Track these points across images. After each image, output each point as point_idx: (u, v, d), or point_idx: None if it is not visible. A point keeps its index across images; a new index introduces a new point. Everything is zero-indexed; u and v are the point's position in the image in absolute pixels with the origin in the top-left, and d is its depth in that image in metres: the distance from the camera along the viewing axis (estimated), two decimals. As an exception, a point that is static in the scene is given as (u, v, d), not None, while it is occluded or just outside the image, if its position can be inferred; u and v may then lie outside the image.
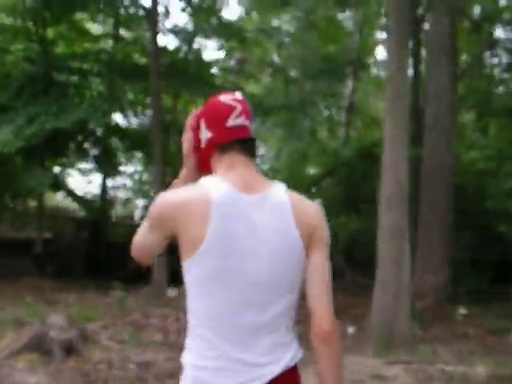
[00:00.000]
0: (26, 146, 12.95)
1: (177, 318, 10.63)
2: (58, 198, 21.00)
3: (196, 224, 2.25)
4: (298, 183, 22.41)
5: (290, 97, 21.47)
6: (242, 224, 2.29)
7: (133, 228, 14.22)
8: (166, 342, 9.33)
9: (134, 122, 17.21)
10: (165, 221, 2.33)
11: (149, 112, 16.39)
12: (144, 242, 2.47)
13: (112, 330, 9.56)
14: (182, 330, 9.87)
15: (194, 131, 2.54)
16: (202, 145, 2.49)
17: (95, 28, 18.22)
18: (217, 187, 2.30)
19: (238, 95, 2.51)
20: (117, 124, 16.83)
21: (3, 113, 14.22)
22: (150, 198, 19.41)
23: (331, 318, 2.36)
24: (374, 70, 28.13)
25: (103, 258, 16.40)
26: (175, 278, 13.93)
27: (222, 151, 2.43)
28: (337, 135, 25.97)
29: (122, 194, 19.78)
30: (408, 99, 9.84)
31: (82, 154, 16.57)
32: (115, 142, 16.95)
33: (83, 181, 18.84)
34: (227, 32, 15.94)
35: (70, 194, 17.60)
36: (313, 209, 2.45)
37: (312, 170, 24.58)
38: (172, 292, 13.19)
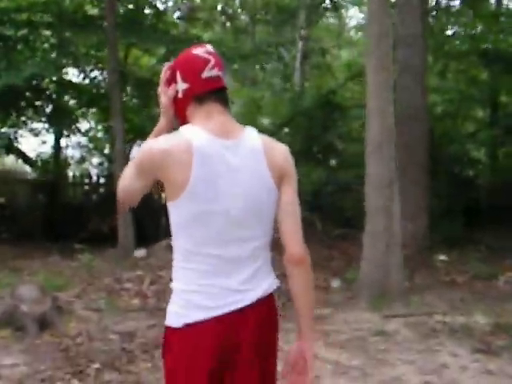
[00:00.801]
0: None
1: (151, 280, 10.03)
2: (10, 161, 20.11)
3: (180, 169, 2.47)
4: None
5: (241, 46, 20.85)
6: (221, 167, 2.53)
7: (90, 188, 13.49)
8: (145, 307, 8.75)
9: (87, 77, 16.16)
10: (151, 167, 2.55)
11: (102, 66, 15.49)
12: (130, 186, 2.67)
13: (85, 298, 8.91)
14: (160, 293, 9.31)
15: (169, 83, 2.73)
16: (179, 95, 2.69)
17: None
18: (197, 135, 2.52)
19: (210, 48, 2.70)
20: (70, 80, 15.88)
21: None
22: (105, 156, 18.74)
23: (302, 245, 2.69)
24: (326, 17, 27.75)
25: (61, 221, 15.60)
26: (142, 237, 13.41)
27: (198, 101, 2.64)
28: (292, 84, 25.46)
29: (76, 153, 18.93)
30: (391, 38, 9.22)
31: (34, 113, 15.65)
32: (68, 99, 16.06)
33: (36, 141, 17.87)
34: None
35: (22, 155, 16.71)
36: (282, 151, 2.73)
37: (267, 121, 24.03)
38: (140, 252, 12.55)
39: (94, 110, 16.56)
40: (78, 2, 15.37)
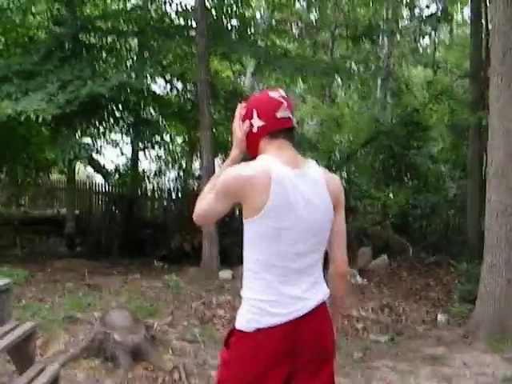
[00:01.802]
0: (57, 114, 11.57)
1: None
2: (88, 172, 19.79)
3: (259, 193, 2.90)
4: (330, 151, 21.21)
5: (320, 60, 20.14)
6: (293, 193, 2.96)
7: (169, 203, 12.78)
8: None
9: (172, 88, 15.53)
10: (237, 192, 2.95)
11: (187, 77, 14.87)
12: (211, 209, 3.05)
13: (178, 326, 8.22)
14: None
15: (244, 119, 3.15)
16: (254, 130, 3.11)
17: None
18: (274, 164, 2.96)
19: (282, 92, 3.17)
20: (153, 91, 15.34)
21: (30, 79, 12.85)
22: (183, 170, 18.19)
23: (346, 262, 3.22)
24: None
25: (140, 236, 15.05)
26: (225, 258, 12.76)
27: (272, 137, 3.08)
28: (373, 102, 24.72)
29: (153, 166, 18.43)
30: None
31: (115, 124, 15.14)
32: (151, 110, 15.49)
33: (115, 152, 17.39)
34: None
35: (100, 167, 16.25)
36: (336, 180, 3.20)
37: (346, 139, 23.31)
38: (225, 273, 11.91)
39: (175, 122, 15.94)
40: (163, 11, 14.81)
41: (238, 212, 12.74)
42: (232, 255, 12.93)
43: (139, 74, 12.64)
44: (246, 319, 2.95)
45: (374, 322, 9.16)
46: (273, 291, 2.94)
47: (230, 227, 13.31)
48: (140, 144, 15.87)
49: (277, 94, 3.14)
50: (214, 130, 13.77)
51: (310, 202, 2.99)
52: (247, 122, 3.15)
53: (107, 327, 6.71)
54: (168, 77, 13.63)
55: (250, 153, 3.20)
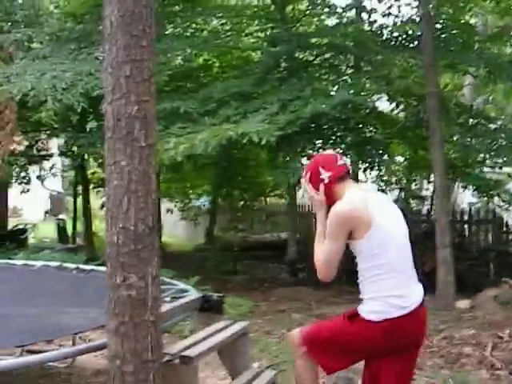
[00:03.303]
0: (279, 135, 11.04)
1: (493, 343, 8.21)
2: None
3: (365, 220, 3.76)
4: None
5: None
6: (385, 213, 3.88)
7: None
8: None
9: (399, 104, 14.54)
10: (350, 224, 3.79)
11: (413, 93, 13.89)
12: (333, 254, 3.85)
13: (424, 366, 7.29)
14: (509, 362, 7.50)
15: (313, 181, 4.06)
16: (326, 181, 3.98)
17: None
18: (362, 195, 3.91)
19: (332, 151, 4.41)
20: (376, 108, 14.50)
21: (248, 101, 12.50)
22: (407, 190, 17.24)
23: None
24: None
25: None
26: (460, 285, 11.64)
27: (340, 180, 3.99)
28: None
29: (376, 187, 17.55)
30: None
31: (335, 144, 14.43)
32: (373, 128, 14.65)
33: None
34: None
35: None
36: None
37: None
38: (463, 303, 10.82)
39: (398, 140, 14.97)
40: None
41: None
42: (467, 282, 11.88)
43: (362, 90, 11.96)
44: (374, 312, 3.85)
45: None
46: (394, 289, 3.83)
47: (465, 250, 12.25)
48: (360, 164, 15.07)
49: (327, 152, 4.34)
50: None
51: (398, 218, 4.02)
52: (317, 179, 4.00)
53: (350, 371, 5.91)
54: (392, 92, 12.73)
55: (328, 202, 3.98)
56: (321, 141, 13.63)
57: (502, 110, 21.00)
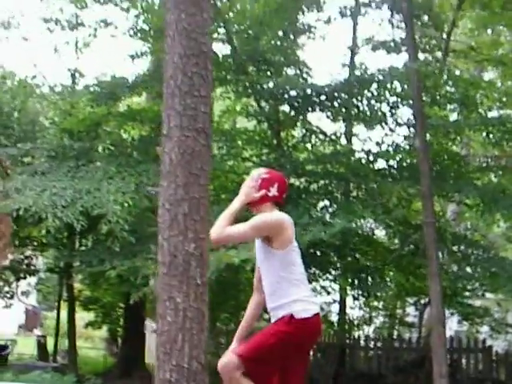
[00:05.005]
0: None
1: None
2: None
3: (289, 235, 4.47)
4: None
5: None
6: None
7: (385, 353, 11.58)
8: None
9: (395, 233, 14.69)
10: (275, 230, 4.43)
11: (409, 221, 14.09)
12: (240, 235, 4.54)
13: None
14: None
15: (264, 185, 4.58)
16: (269, 195, 4.55)
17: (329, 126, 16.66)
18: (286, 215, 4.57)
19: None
20: (372, 236, 14.67)
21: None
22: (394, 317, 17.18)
23: None
24: None
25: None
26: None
27: (275, 204, 4.59)
28: None
29: (363, 313, 17.54)
30: None
31: (326, 270, 14.46)
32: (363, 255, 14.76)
33: (325, 299, 16.66)
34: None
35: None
36: None
37: None
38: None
39: (391, 268, 15.02)
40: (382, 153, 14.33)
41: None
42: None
43: (360, 218, 12.08)
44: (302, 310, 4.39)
45: None
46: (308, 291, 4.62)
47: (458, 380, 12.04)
48: (351, 291, 15.06)
49: (286, 180, 4.83)
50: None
51: None
52: (267, 186, 4.54)
53: None
54: (389, 221, 12.88)
55: (252, 209, 4.60)
56: (317, 269, 13.60)
57: (485, 237, 21.20)
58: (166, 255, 3.95)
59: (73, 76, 18.59)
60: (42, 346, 18.72)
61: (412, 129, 14.48)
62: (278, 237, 4.38)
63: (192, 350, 3.83)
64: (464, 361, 14.65)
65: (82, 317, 20.86)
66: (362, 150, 15.12)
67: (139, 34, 15.59)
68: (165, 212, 3.98)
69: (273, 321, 4.49)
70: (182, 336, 3.83)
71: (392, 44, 15.43)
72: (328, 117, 15.21)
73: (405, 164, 14.37)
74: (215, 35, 13.72)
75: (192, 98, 4.04)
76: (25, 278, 18.10)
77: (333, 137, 15.75)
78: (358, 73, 15.48)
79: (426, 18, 15.77)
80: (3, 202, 12.43)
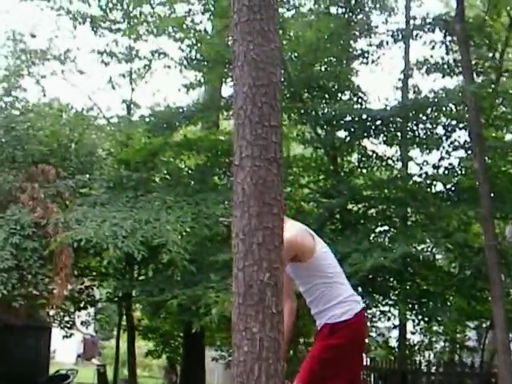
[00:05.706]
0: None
1: None
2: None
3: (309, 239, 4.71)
4: None
5: None
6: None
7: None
8: None
9: (457, 257, 14.47)
10: (296, 247, 4.58)
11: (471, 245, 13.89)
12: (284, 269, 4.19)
13: None
14: None
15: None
16: None
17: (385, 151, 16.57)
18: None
19: None
20: (433, 261, 14.49)
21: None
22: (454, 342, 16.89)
23: None
24: None
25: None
26: None
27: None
28: None
29: (423, 338, 17.32)
30: None
31: (387, 295, 14.32)
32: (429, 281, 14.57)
33: (386, 324, 16.50)
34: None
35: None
36: None
37: None
38: None
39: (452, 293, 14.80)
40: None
41: None
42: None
43: (420, 243, 12.00)
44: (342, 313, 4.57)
45: None
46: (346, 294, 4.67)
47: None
48: (411, 316, 14.89)
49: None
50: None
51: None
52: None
53: None
54: (449, 244, 12.74)
55: None
56: (377, 294, 13.48)
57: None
58: (242, 285, 3.94)
59: (128, 107, 18.84)
60: (102, 375, 18.85)
61: (469, 151, 14.31)
62: (300, 251, 4.55)
63: (269, 380, 3.81)
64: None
65: (139, 346, 20.98)
66: (420, 174, 15.00)
67: (193, 64, 15.78)
68: (239, 242, 3.98)
69: (318, 323, 4.73)
70: (259, 366, 3.80)
71: (446, 66, 15.32)
72: (384, 141, 15.21)
73: (463, 187, 14.19)
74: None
75: (263, 128, 4.05)
76: (85, 308, 18.28)
77: (389, 161, 15.69)
78: (411, 96, 15.47)
79: (478, 38, 15.66)
80: (64, 233, 12.60)
